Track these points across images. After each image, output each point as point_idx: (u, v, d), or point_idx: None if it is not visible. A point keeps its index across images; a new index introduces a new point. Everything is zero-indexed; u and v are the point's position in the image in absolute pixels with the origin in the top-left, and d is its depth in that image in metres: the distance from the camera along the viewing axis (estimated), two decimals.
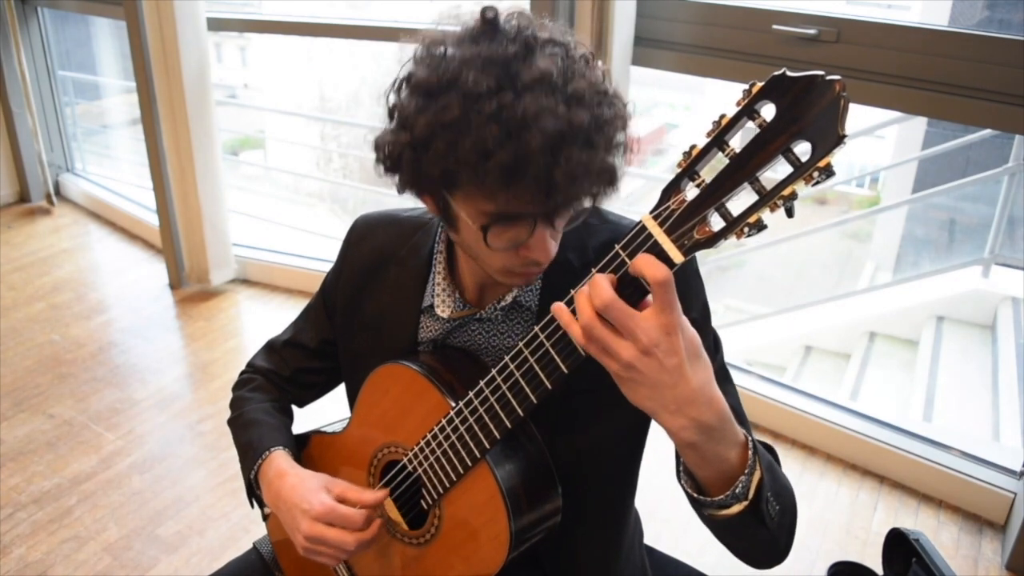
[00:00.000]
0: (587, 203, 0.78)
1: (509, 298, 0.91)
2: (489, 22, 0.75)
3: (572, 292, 0.71)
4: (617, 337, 0.67)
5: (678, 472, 0.78)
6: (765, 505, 0.74)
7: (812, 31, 1.92)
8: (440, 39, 0.76)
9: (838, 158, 0.59)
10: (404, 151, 0.77)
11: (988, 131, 3.22)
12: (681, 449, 0.73)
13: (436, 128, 0.72)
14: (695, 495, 0.76)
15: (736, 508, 0.73)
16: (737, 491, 0.72)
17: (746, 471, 0.72)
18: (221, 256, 3.18)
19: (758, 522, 0.74)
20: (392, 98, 0.79)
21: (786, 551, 0.82)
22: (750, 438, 0.74)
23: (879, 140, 7.10)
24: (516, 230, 0.77)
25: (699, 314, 0.90)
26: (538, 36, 0.75)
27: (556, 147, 0.70)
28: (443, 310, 0.94)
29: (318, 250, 3.37)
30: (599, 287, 0.67)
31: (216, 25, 2.92)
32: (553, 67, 0.72)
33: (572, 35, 0.79)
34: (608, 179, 0.75)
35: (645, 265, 0.65)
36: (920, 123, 5.84)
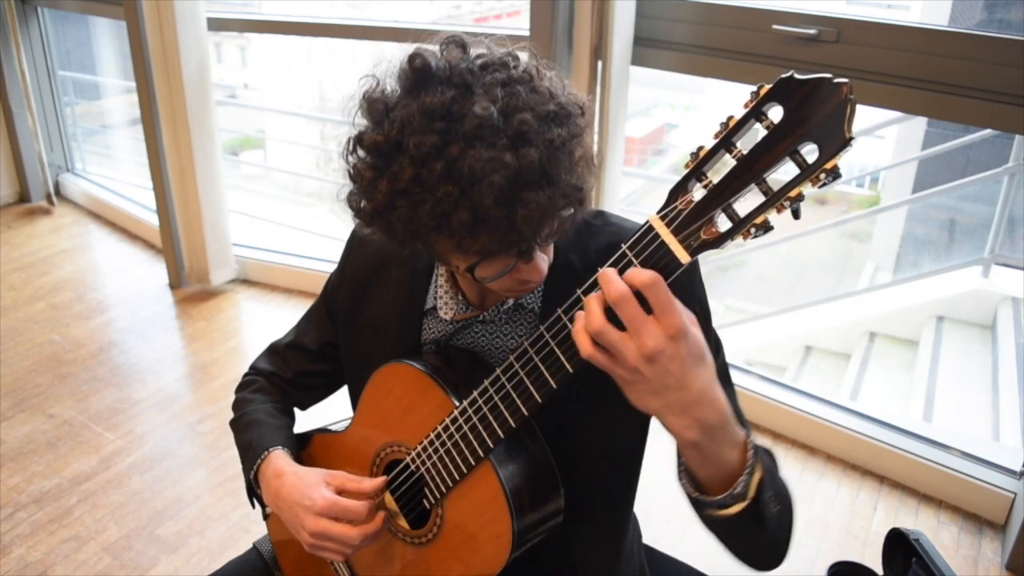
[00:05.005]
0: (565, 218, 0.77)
1: (511, 302, 0.91)
2: (419, 70, 0.74)
3: (578, 291, 0.72)
4: (624, 341, 0.66)
5: (679, 473, 0.79)
6: (764, 506, 0.74)
7: (812, 31, 1.92)
8: (379, 95, 0.76)
9: (842, 159, 0.59)
10: (373, 217, 0.78)
11: (988, 131, 3.22)
12: (683, 448, 0.73)
13: (394, 196, 0.73)
14: (695, 495, 0.76)
15: (736, 508, 0.73)
16: (737, 491, 0.72)
17: (746, 471, 0.72)
18: (221, 256, 3.18)
19: (757, 523, 0.74)
20: (350, 159, 0.79)
21: (784, 552, 0.82)
22: (749, 439, 0.74)
23: (879, 140, 7.11)
24: (502, 261, 0.78)
25: (699, 315, 0.89)
26: (474, 68, 0.75)
27: (510, 197, 0.70)
28: (446, 312, 0.94)
29: (318, 250, 3.37)
30: (612, 281, 0.66)
31: (216, 25, 2.92)
32: (492, 106, 0.71)
33: (516, 44, 0.79)
34: (578, 199, 0.75)
35: (632, 276, 0.65)
36: (920, 123, 5.84)
